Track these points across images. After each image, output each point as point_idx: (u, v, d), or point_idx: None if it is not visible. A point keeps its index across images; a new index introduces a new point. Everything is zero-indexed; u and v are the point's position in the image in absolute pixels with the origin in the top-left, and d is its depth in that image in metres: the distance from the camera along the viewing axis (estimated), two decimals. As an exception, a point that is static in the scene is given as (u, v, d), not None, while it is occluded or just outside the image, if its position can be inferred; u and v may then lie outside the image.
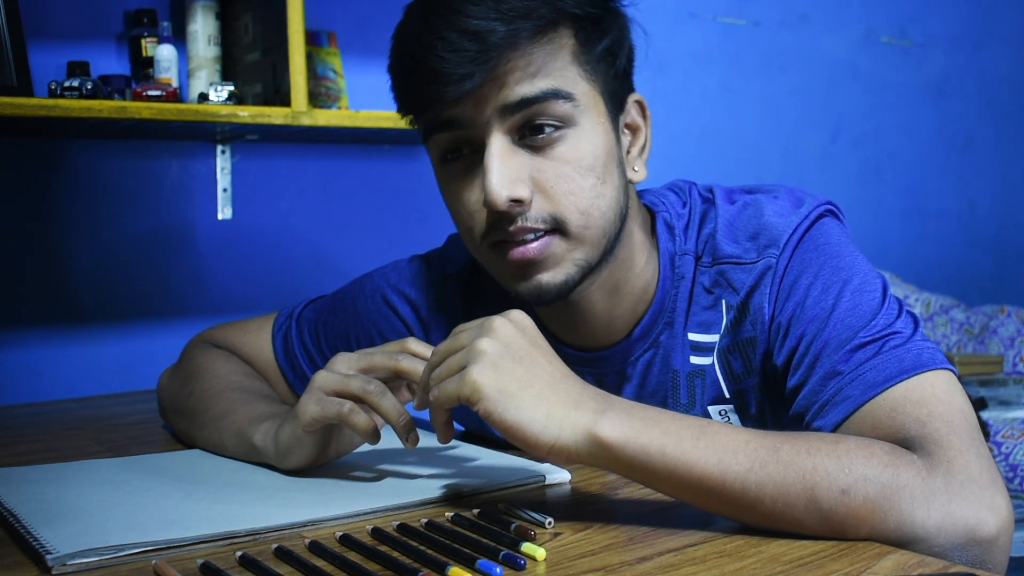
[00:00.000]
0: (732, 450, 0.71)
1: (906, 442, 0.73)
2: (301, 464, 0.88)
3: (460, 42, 0.81)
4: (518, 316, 0.77)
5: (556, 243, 0.85)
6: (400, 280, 1.08)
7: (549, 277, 0.86)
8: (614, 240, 0.89)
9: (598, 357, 0.96)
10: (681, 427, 0.72)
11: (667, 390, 0.94)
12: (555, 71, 0.84)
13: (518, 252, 0.85)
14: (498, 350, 0.73)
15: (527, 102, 0.83)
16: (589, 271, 0.88)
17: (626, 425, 0.72)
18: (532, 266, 0.86)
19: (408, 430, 0.84)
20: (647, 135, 0.93)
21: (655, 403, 0.94)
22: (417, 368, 0.84)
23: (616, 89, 0.89)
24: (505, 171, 0.83)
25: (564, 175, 0.85)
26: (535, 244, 0.85)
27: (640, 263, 0.94)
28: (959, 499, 0.69)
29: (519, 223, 0.84)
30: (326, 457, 0.89)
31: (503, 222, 0.85)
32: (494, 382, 0.72)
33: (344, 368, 0.86)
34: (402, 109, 0.92)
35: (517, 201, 0.83)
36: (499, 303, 0.90)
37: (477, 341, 0.74)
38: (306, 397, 0.84)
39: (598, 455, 0.72)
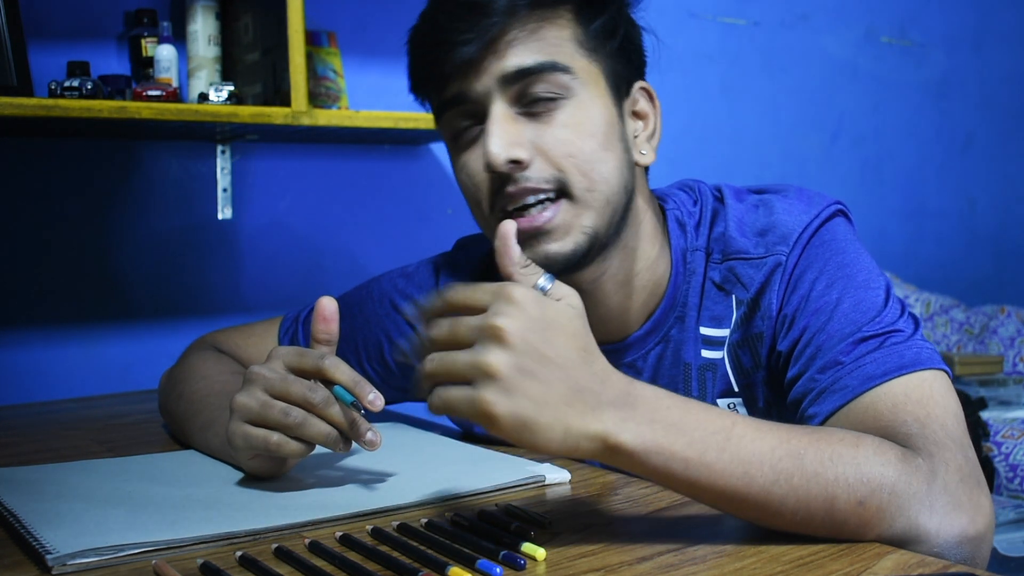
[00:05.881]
0: (758, 462, 0.69)
1: (907, 439, 0.75)
2: (274, 475, 0.87)
3: (460, 12, 0.85)
4: (527, 295, 0.67)
5: (564, 209, 0.87)
6: (408, 285, 1.08)
7: (558, 247, 0.87)
8: (621, 215, 0.91)
9: (609, 351, 0.96)
10: (706, 434, 0.68)
11: (679, 383, 0.96)
12: (553, 44, 0.87)
13: (525, 221, 0.86)
14: (509, 367, 0.65)
15: (526, 72, 0.86)
16: (597, 243, 0.89)
17: (647, 436, 0.67)
18: (539, 236, 0.87)
19: (339, 441, 0.81)
20: (656, 122, 0.96)
21: None
22: (343, 373, 0.81)
23: (617, 70, 0.92)
24: (504, 134, 0.86)
25: (563, 139, 0.87)
26: (544, 213, 0.87)
27: (652, 255, 0.95)
28: (954, 501, 0.71)
29: (520, 184, 0.86)
30: (288, 465, 0.87)
31: (508, 186, 0.86)
32: (508, 410, 0.64)
33: (278, 367, 0.83)
34: (418, 93, 0.94)
35: (516, 163, 0.86)
36: None
37: (485, 351, 0.65)
38: (232, 425, 0.83)
39: (617, 461, 0.69)
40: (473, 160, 0.89)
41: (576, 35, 0.89)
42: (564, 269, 0.88)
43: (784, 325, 0.89)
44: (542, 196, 0.87)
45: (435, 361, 0.68)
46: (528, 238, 0.87)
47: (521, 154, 0.86)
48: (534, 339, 0.66)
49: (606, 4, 0.91)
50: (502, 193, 0.87)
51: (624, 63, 0.93)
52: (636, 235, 0.93)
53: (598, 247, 0.89)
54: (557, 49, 0.88)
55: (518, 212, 0.87)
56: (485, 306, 0.67)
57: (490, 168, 0.86)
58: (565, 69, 0.87)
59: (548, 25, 0.88)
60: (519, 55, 0.86)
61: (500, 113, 0.86)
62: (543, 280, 0.71)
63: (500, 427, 0.65)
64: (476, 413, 0.65)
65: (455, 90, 0.88)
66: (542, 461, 0.91)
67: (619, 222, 0.91)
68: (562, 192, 0.87)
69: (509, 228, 0.73)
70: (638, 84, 0.95)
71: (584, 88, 0.88)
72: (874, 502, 0.69)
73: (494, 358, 0.65)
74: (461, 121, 0.90)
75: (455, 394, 0.67)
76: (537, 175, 0.86)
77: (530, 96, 0.87)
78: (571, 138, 0.87)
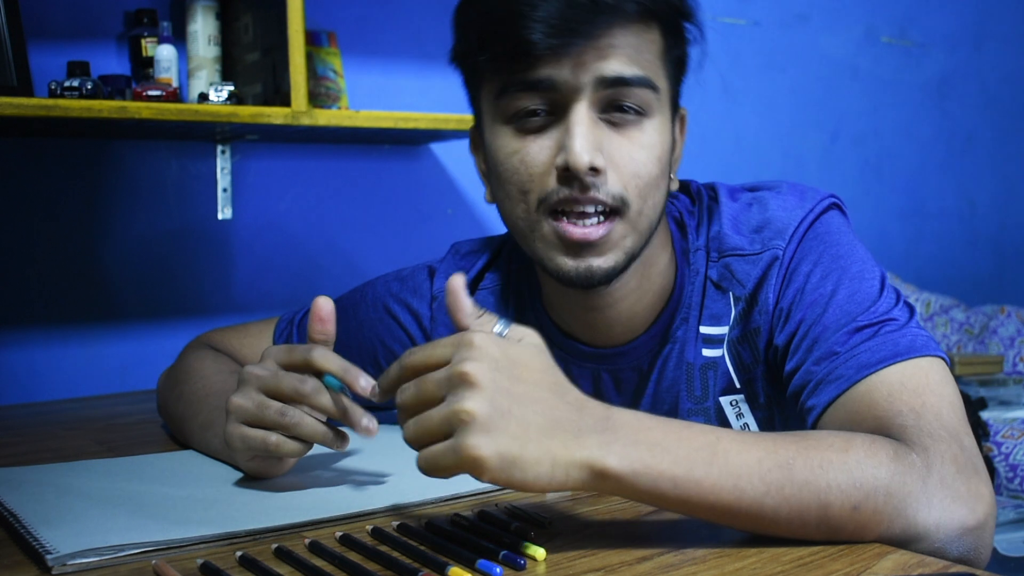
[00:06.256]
0: (746, 475, 0.68)
1: (902, 431, 0.74)
2: (273, 475, 0.87)
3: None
4: (486, 338, 0.67)
5: (616, 228, 0.86)
6: (403, 289, 1.08)
7: (601, 261, 0.87)
8: (650, 236, 0.91)
9: (616, 353, 0.97)
10: (691, 450, 0.68)
11: (682, 383, 0.96)
12: (647, 60, 0.87)
13: (580, 232, 0.85)
14: (484, 408, 0.64)
15: (623, 81, 0.85)
16: (631, 261, 0.89)
17: (633, 457, 0.67)
18: (587, 247, 0.86)
19: (336, 439, 0.82)
20: (680, 149, 0.97)
21: (670, 397, 0.96)
22: (332, 362, 0.82)
23: (676, 97, 0.93)
24: (590, 137, 0.84)
25: (636, 158, 0.86)
26: (600, 228, 0.86)
27: (662, 263, 0.95)
28: (952, 494, 0.70)
29: (592, 193, 0.85)
30: (287, 464, 0.87)
31: (573, 189, 0.85)
32: (492, 450, 0.64)
33: (271, 366, 0.84)
34: (484, 64, 0.88)
35: (595, 170, 0.84)
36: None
37: (458, 399, 0.65)
38: (230, 427, 0.83)
39: (606, 487, 0.68)
40: (539, 150, 0.86)
41: (662, 56, 0.88)
42: (600, 283, 0.88)
43: (781, 318, 0.90)
44: (603, 208, 0.86)
45: (411, 427, 0.67)
46: (576, 247, 0.86)
47: (601, 162, 0.84)
48: (502, 378, 0.65)
49: (685, 37, 0.91)
50: (563, 193, 0.85)
51: (679, 91, 0.94)
52: (652, 245, 0.93)
53: (631, 263, 0.90)
54: (651, 65, 0.87)
55: (569, 216, 0.86)
56: (446, 359, 0.67)
57: (568, 168, 0.83)
58: (655, 88, 0.87)
59: (643, 39, 0.86)
60: (621, 62, 0.85)
61: (585, 114, 0.84)
62: (499, 326, 0.71)
63: (488, 469, 0.64)
64: (462, 461, 0.64)
65: (544, 74, 0.84)
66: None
67: (648, 240, 0.91)
68: (617, 210, 0.86)
69: (458, 282, 0.72)
70: (680, 111, 0.95)
71: (661, 111, 0.88)
72: (869, 506, 0.69)
73: (468, 403, 0.64)
74: (532, 103, 0.86)
75: (438, 450, 0.66)
76: (608, 188, 0.85)
77: (616, 105, 0.85)
78: (642, 159, 0.86)
